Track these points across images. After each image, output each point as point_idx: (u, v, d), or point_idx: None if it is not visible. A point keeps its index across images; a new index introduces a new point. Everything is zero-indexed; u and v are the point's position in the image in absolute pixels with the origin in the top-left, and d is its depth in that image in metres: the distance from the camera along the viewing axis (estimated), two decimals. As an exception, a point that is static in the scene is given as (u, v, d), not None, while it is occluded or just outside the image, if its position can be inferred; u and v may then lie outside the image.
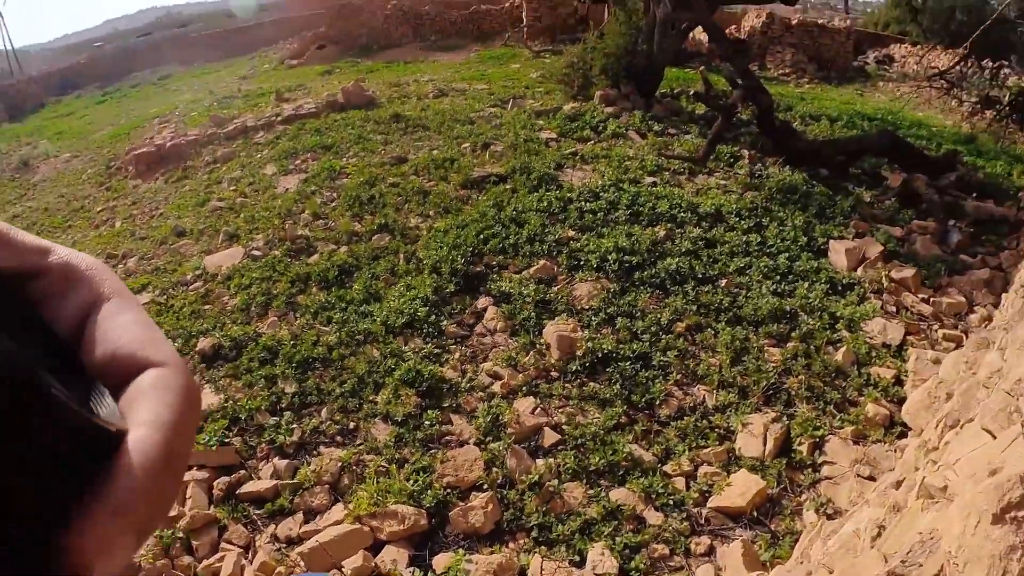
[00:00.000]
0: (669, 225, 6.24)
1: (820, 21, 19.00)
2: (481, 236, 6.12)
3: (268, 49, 26.02)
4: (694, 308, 5.12)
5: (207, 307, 5.92)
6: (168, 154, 11.03)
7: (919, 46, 20.78)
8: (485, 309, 5.27)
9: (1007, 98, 11.33)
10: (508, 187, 7.28)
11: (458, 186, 7.50)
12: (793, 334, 4.84)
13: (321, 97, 12.43)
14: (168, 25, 42.29)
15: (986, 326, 5.01)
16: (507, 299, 5.36)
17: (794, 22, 18.67)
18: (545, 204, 6.63)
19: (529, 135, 9.00)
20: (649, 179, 7.37)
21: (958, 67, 12.52)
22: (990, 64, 11.47)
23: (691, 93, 9.56)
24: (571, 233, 6.18)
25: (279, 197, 7.93)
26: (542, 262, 5.69)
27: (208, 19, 42.38)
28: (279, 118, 11.38)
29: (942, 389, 3.66)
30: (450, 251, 5.86)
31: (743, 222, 6.33)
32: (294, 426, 4.23)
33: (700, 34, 18.22)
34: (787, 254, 5.81)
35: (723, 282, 5.41)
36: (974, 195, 7.85)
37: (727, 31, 19.80)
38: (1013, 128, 11.20)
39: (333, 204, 7.52)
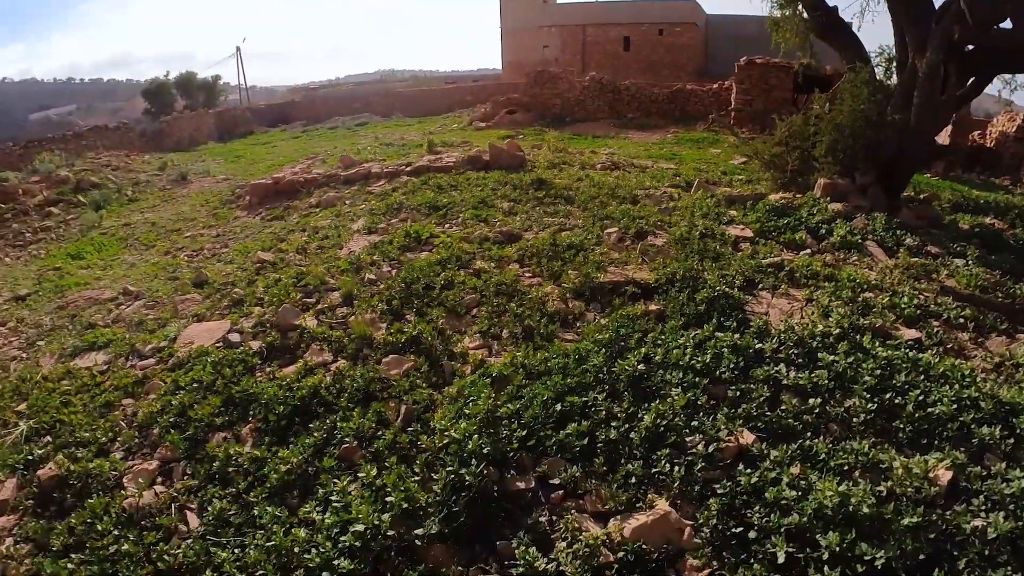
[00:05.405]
0: (960, 450, 2.88)
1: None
2: (554, 408, 3.25)
3: (465, 111, 26.19)
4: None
5: (112, 411, 3.84)
6: (282, 190, 10.06)
7: None
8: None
9: None
10: (652, 309, 4.36)
11: (570, 292, 4.74)
12: None
13: (467, 151, 10.63)
14: (389, 80, 46.55)
15: None
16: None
17: (1059, 123, 13.60)
18: (707, 358, 3.60)
19: (710, 228, 6.17)
20: (910, 333, 4.05)
21: None
22: None
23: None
24: (748, 438, 3.05)
25: (328, 262, 5.87)
26: (661, 507, 2.65)
27: (420, 80, 45.75)
28: (409, 168, 9.76)
29: None
30: (479, 431, 3.08)
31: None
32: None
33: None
34: None
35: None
36: None
37: (968, 137, 15.28)
38: None
39: (377, 285, 5.18)
